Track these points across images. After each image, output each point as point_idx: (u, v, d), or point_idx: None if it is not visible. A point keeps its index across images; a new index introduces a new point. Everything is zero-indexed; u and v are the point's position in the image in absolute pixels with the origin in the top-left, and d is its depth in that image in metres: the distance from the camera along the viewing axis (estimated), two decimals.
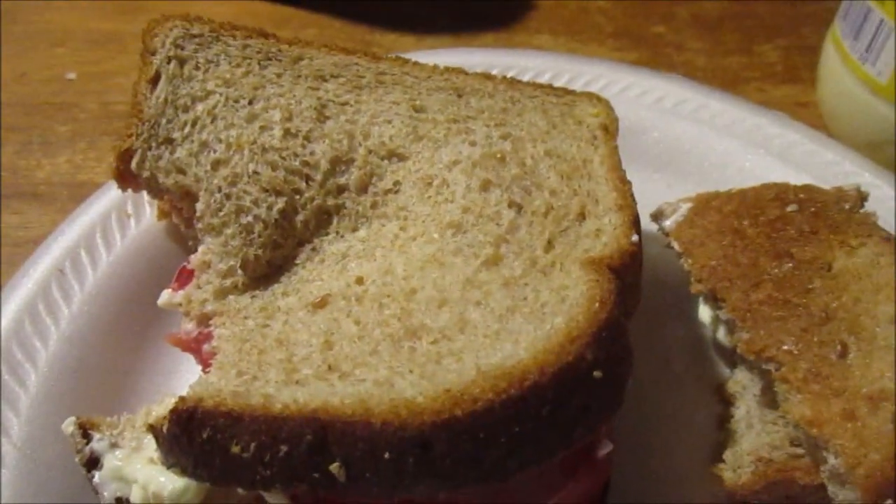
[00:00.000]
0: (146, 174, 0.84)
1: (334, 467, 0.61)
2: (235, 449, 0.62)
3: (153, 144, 0.85)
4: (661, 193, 1.05)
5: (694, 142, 1.13)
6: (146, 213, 0.97)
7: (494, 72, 1.15)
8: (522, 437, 0.61)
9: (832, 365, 0.72)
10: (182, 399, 0.65)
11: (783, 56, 1.43)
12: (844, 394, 0.69)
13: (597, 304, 0.67)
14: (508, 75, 1.13)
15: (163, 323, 0.88)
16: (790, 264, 0.81)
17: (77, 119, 1.27)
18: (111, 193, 0.96)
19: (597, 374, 0.64)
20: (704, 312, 0.89)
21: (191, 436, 0.64)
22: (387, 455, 0.60)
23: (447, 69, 0.97)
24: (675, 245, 0.90)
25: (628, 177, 0.86)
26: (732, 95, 1.19)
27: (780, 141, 1.11)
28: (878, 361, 0.70)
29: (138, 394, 0.86)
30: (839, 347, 0.72)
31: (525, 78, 1.17)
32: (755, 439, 0.79)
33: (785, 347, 0.74)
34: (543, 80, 1.17)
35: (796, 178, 1.00)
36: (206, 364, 0.78)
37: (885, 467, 0.64)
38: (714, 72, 1.41)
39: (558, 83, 1.17)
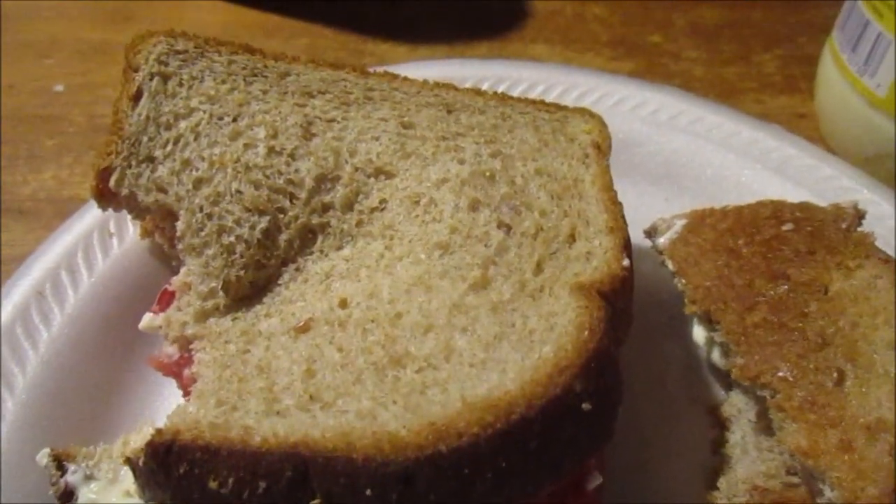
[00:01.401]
0: (125, 192, 0.82)
1: (315, 503, 0.59)
2: (213, 484, 0.61)
3: (133, 162, 0.83)
4: (656, 208, 1.03)
5: (690, 155, 1.11)
6: (129, 232, 0.95)
7: (487, 84, 1.14)
8: (509, 471, 0.60)
9: (829, 393, 0.70)
10: (159, 431, 0.63)
11: (781, 66, 1.41)
12: (841, 423, 0.67)
13: (586, 333, 0.65)
14: (501, 87, 1.12)
15: (145, 346, 0.86)
16: (786, 286, 0.79)
17: (64, 132, 1.25)
18: (93, 212, 0.94)
19: (586, 406, 0.62)
20: (699, 333, 0.87)
21: (167, 470, 0.62)
22: (369, 491, 0.59)
23: (437, 84, 0.95)
24: (669, 264, 0.88)
25: (623, 191, 0.84)
26: (729, 107, 1.17)
27: (777, 155, 1.09)
28: (875, 389, 0.68)
29: (120, 419, 0.84)
30: (836, 375, 0.70)
31: (518, 89, 1.16)
32: (750, 466, 0.77)
33: (780, 374, 0.72)
34: (536, 91, 1.16)
35: (794, 193, 0.98)
36: (187, 389, 0.76)
37: (883, 501, 0.62)
38: (711, 82, 1.39)
39: (551, 95, 1.16)
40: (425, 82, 0.95)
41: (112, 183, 0.82)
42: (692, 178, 1.09)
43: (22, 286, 0.88)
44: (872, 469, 0.64)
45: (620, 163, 1.01)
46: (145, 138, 0.84)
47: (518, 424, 0.60)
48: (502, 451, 0.59)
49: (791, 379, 0.72)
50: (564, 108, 0.95)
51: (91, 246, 0.93)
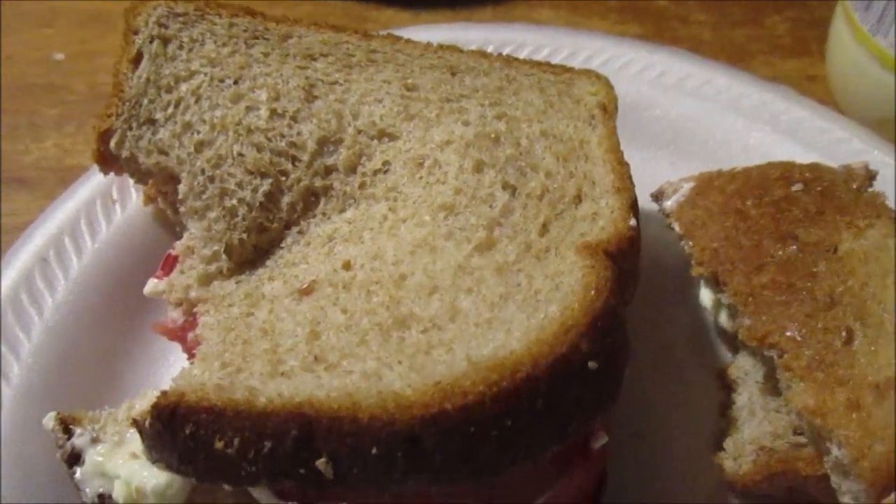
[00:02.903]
0: (126, 154, 0.81)
1: (321, 463, 0.59)
2: (219, 445, 0.61)
3: (134, 125, 0.82)
4: (664, 172, 1.02)
5: (697, 118, 1.09)
6: (132, 199, 0.94)
7: (491, 48, 1.12)
8: (515, 431, 0.59)
9: (837, 352, 0.69)
10: (164, 394, 0.63)
11: (792, 28, 1.38)
12: (849, 382, 0.67)
13: (592, 292, 0.64)
14: (506, 51, 1.10)
15: (150, 311, 0.86)
16: (795, 246, 0.78)
17: (65, 101, 1.24)
18: (96, 178, 0.93)
19: (592, 365, 0.61)
20: (706, 296, 0.87)
21: (173, 432, 0.62)
22: (374, 451, 0.59)
23: (441, 47, 0.94)
24: (676, 226, 0.87)
25: (629, 155, 0.83)
26: (738, 70, 1.15)
27: (786, 117, 1.07)
28: (884, 348, 0.68)
29: (125, 384, 0.84)
30: (844, 334, 0.70)
31: (523, 53, 1.13)
32: (757, 427, 0.77)
33: (788, 334, 0.72)
34: (542, 55, 1.14)
35: (803, 156, 0.97)
36: (191, 353, 0.76)
37: (890, 459, 0.62)
38: (720, 45, 1.36)
39: (557, 59, 1.14)
40: (429, 45, 0.94)
41: (112, 145, 0.81)
42: (699, 142, 1.08)
43: (25, 252, 0.88)
44: (880, 427, 0.64)
45: (627, 127, 0.99)
46: (146, 101, 0.83)
47: (524, 384, 0.59)
48: (508, 410, 0.59)
49: (799, 338, 0.71)
50: (570, 69, 0.93)
51: (94, 212, 0.92)
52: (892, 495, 0.61)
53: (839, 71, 1.20)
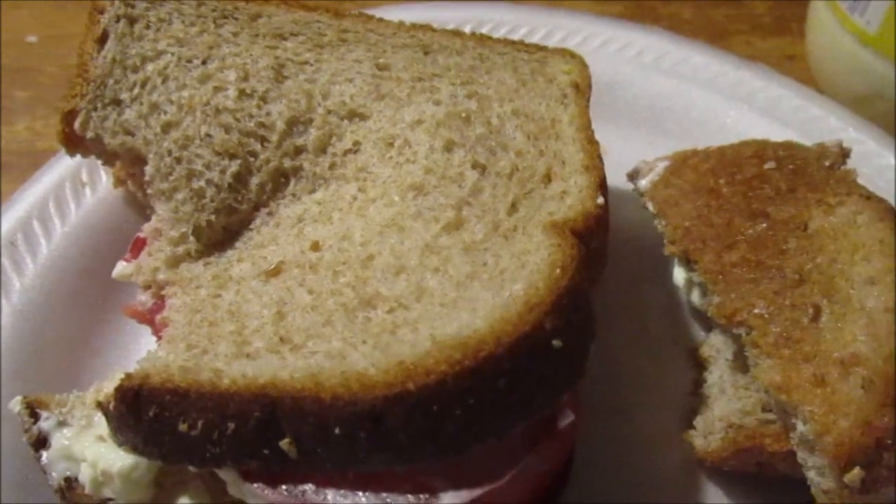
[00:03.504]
0: (91, 135, 0.81)
1: (285, 444, 0.60)
2: (183, 427, 0.61)
3: (99, 105, 0.81)
4: (641, 151, 1.01)
5: (675, 97, 1.09)
6: (102, 182, 0.93)
7: (468, 27, 1.11)
8: (478, 409, 0.59)
9: (804, 329, 0.69)
10: (128, 376, 0.63)
11: (772, 7, 1.38)
12: (815, 359, 0.67)
13: (558, 271, 0.64)
14: (483, 30, 1.09)
15: (121, 295, 0.86)
16: (765, 224, 0.78)
17: (37, 84, 1.22)
18: (65, 162, 0.93)
19: (556, 343, 0.61)
20: (678, 275, 0.86)
21: (138, 414, 0.62)
22: (337, 430, 0.59)
23: (414, 26, 0.93)
24: (650, 205, 0.87)
25: (607, 134, 0.83)
26: (716, 48, 1.14)
27: (764, 95, 1.07)
28: (850, 325, 0.68)
29: (95, 368, 0.83)
30: (811, 311, 0.70)
31: (500, 32, 1.12)
32: (726, 405, 0.77)
33: (756, 311, 0.72)
34: (519, 34, 1.13)
35: (780, 134, 0.96)
36: (160, 335, 0.75)
37: (854, 434, 0.62)
38: (700, 24, 1.36)
39: (535, 38, 1.13)
40: (401, 24, 0.93)
41: (77, 126, 0.81)
42: (676, 121, 1.08)
43: None
44: (844, 403, 0.64)
45: (604, 106, 0.99)
46: (111, 81, 0.82)
47: (487, 362, 0.59)
48: (471, 388, 0.59)
49: (767, 316, 0.71)
50: (544, 48, 0.93)
51: (63, 195, 0.92)
52: (855, 469, 0.62)
53: (818, 49, 1.19)
